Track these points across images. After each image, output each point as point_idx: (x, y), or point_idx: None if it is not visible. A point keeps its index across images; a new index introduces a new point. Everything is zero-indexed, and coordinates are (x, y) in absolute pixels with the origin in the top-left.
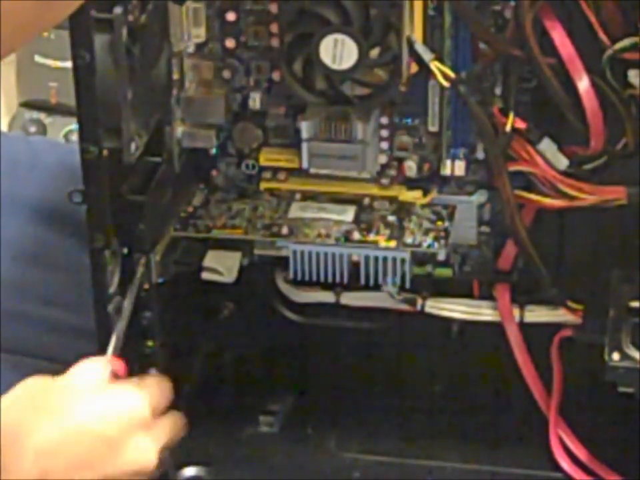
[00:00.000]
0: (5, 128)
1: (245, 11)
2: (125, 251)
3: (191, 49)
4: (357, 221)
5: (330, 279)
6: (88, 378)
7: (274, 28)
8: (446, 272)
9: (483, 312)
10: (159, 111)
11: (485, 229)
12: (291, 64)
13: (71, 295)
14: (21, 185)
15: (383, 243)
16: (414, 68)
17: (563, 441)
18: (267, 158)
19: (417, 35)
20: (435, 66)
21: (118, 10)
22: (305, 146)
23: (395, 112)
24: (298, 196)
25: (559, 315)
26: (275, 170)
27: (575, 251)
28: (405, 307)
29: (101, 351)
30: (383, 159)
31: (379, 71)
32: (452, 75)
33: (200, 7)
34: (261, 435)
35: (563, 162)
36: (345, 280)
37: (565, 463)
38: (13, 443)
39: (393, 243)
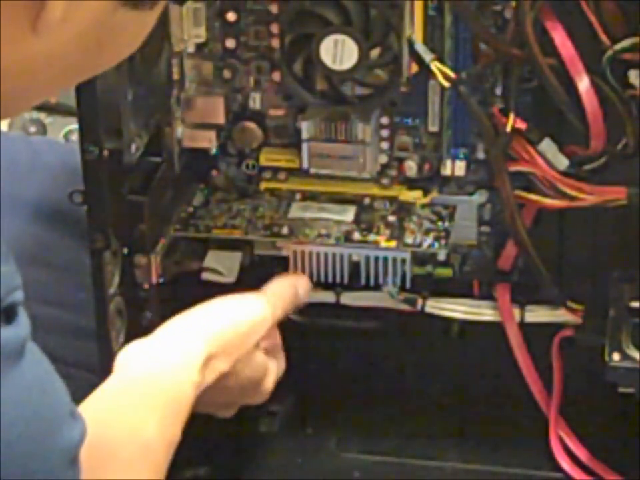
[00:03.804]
0: (4, 128)
1: (246, 11)
2: (125, 251)
3: (191, 49)
4: (357, 221)
5: (330, 279)
6: None
7: (274, 28)
8: (446, 272)
9: (483, 312)
10: (159, 111)
11: (485, 228)
12: (291, 64)
13: (71, 295)
14: (21, 185)
15: (383, 243)
16: (414, 68)
17: (563, 441)
18: (267, 158)
19: (418, 35)
20: (435, 66)
21: None
22: (305, 146)
23: (395, 112)
24: (298, 196)
25: (559, 315)
26: (275, 170)
27: (575, 251)
28: (405, 306)
29: (101, 351)
30: (383, 159)
31: (379, 71)
32: (452, 75)
33: (200, 7)
34: (261, 435)
35: (563, 162)
36: (345, 280)
37: (565, 463)
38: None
39: (393, 243)
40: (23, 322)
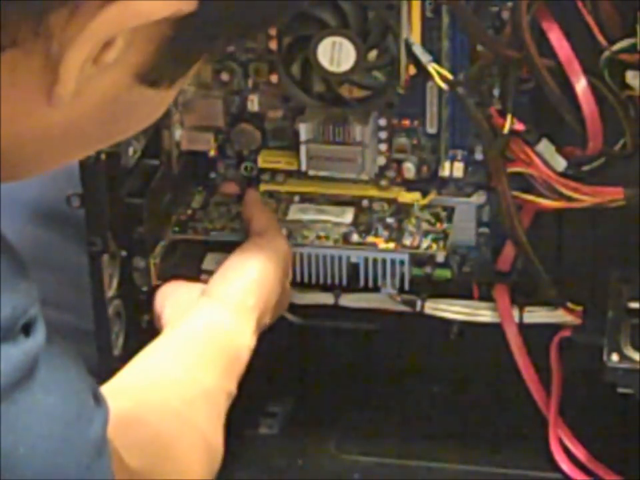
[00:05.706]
0: None
1: None
2: (124, 254)
3: None
4: (355, 222)
5: (329, 281)
6: None
7: (272, 30)
8: (445, 273)
9: (482, 313)
10: None
11: (483, 230)
12: (289, 66)
13: (70, 296)
14: (20, 185)
15: (381, 245)
16: (412, 70)
17: (562, 442)
18: (266, 160)
19: (415, 37)
20: (432, 68)
21: None
22: (303, 148)
23: (393, 114)
24: (297, 198)
25: (558, 316)
26: (274, 172)
27: (574, 251)
28: (404, 308)
29: (100, 353)
30: (381, 160)
31: (376, 73)
32: (450, 77)
33: None
34: (261, 436)
35: (561, 163)
36: (344, 282)
37: (564, 464)
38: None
39: (391, 245)
40: (39, 329)
